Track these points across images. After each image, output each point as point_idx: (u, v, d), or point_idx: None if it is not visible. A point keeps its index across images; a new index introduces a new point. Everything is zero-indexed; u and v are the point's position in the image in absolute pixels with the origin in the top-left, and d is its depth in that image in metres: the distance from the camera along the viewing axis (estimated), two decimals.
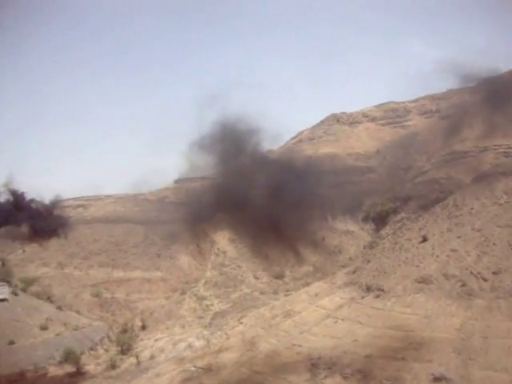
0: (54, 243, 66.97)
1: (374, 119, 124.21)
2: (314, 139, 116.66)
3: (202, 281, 77.66)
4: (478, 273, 33.60)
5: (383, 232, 78.20)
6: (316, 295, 45.28)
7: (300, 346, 34.75)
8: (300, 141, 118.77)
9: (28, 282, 65.42)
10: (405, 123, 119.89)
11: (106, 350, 54.34)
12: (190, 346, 52.05)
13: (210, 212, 34.86)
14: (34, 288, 65.60)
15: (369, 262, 47.37)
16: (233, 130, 35.16)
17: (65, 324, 55.36)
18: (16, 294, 55.62)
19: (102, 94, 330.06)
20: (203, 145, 35.61)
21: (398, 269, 40.23)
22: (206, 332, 57.06)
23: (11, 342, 47.34)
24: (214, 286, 75.93)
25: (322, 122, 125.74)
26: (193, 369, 38.02)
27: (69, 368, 47.30)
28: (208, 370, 36.67)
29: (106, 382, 46.05)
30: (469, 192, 47.42)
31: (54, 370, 46.70)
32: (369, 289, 39.66)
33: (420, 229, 45.88)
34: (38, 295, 63.01)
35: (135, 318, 65.95)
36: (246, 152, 35.21)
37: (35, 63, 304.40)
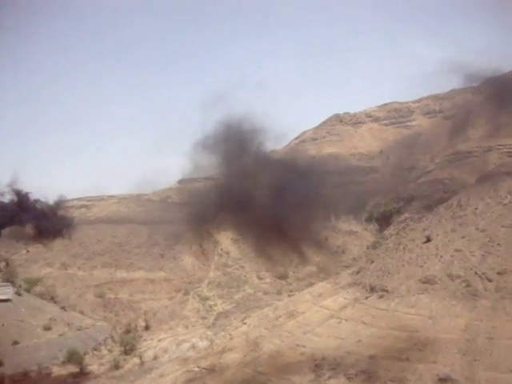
0: (57, 244, 66.88)
1: (377, 119, 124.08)
2: (317, 139, 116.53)
3: (206, 281, 77.66)
4: (483, 273, 33.40)
5: (387, 232, 77.96)
6: (319, 295, 45.12)
7: (304, 346, 34.65)
8: (303, 141, 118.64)
9: (32, 283, 65.55)
10: (408, 123, 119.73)
11: (110, 351, 54.43)
12: (193, 347, 52.10)
13: (214, 212, 34.84)
14: (38, 288, 65.75)
15: (372, 262, 47.20)
16: (236, 130, 35.14)
17: (68, 324, 55.44)
18: (20, 295, 55.72)
19: (102, 95, 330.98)
20: (207, 145, 35.64)
21: (401, 269, 40.05)
22: (209, 332, 57.12)
23: (15, 342, 47.43)
24: (218, 286, 75.92)
25: (325, 122, 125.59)
26: (196, 369, 37.98)
27: (72, 368, 47.41)
28: (211, 370, 36.63)
29: (109, 383, 46.13)
30: (473, 192, 47.20)
31: (58, 370, 46.82)
32: (372, 289, 39.48)
33: (424, 229, 45.68)
34: (41, 295, 63.14)
35: (138, 318, 66.00)
36: (249, 152, 35.18)
37: (35, 64, 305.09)
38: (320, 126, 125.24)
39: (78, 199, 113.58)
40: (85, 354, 50.49)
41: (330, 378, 29.32)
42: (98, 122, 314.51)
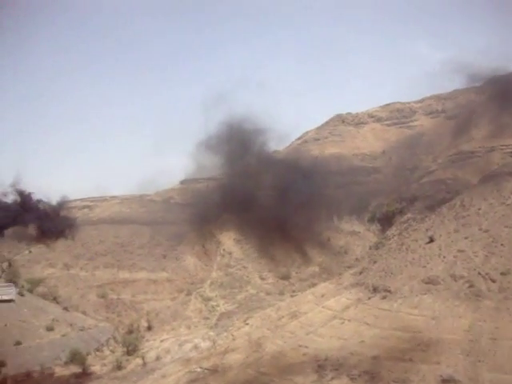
0: (60, 244, 66.89)
1: (379, 120, 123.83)
2: (319, 140, 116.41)
3: (208, 281, 77.61)
4: (486, 274, 33.32)
5: (389, 233, 77.92)
6: (322, 296, 45.04)
7: (306, 347, 34.57)
8: (305, 141, 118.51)
9: (34, 283, 65.59)
10: (410, 123, 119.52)
11: (112, 351, 54.41)
12: (195, 347, 52.04)
13: (217, 212, 34.80)
14: (41, 289, 65.81)
15: (375, 262, 47.11)
16: (239, 131, 35.10)
17: (71, 325, 55.47)
18: (22, 295, 55.76)
19: (102, 95, 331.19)
20: (210, 145, 35.61)
21: (404, 269, 39.96)
22: (211, 333, 57.05)
23: (18, 343, 47.48)
24: (220, 286, 75.87)
25: (328, 122, 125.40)
26: (199, 370, 37.92)
27: (75, 369, 47.41)
28: (214, 371, 36.56)
29: (111, 383, 46.09)
30: (476, 192, 47.09)
31: (60, 371, 46.83)
32: (375, 290, 39.40)
33: (427, 229, 45.59)
34: (44, 296, 63.18)
35: (141, 318, 65.99)
36: (252, 152, 35.14)
37: (36, 64, 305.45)
38: (322, 126, 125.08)
39: (81, 200, 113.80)
40: (87, 354, 50.49)
41: (332, 378, 29.23)
42: (98, 122, 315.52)
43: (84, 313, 63.76)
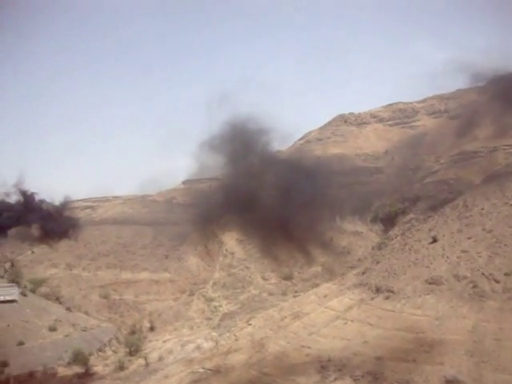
0: (62, 244, 67.05)
1: (381, 120, 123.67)
2: (321, 140, 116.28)
3: (211, 282, 77.60)
4: (490, 274, 33.19)
5: (392, 233, 77.63)
6: (325, 296, 44.97)
7: (309, 347, 34.51)
8: (308, 141, 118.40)
9: (37, 283, 65.63)
10: (413, 123, 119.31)
11: (115, 351, 54.41)
12: (198, 348, 52.01)
13: (219, 212, 34.76)
14: (43, 289, 65.85)
15: (378, 262, 47.01)
16: (242, 130, 35.05)
17: (73, 325, 55.49)
18: (25, 295, 55.78)
19: (103, 95, 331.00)
20: (213, 145, 35.57)
21: (407, 270, 39.88)
22: (214, 333, 57.02)
23: (20, 343, 47.51)
24: (223, 287, 75.84)
25: (330, 122, 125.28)
26: (201, 370, 37.87)
27: (77, 369, 47.45)
28: (217, 371, 36.51)
29: (114, 383, 46.11)
30: (479, 192, 47.00)
31: (63, 371, 46.87)
32: (378, 290, 39.32)
33: (430, 229, 45.50)
34: (46, 296, 63.22)
35: (143, 319, 66.05)
36: (255, 152, 35.08)
37: (36, 64, 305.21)
38: (325, 126, 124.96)
39: (83, 200, 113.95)
40: (90, 354, 50.50)
41: (335, 379, 29.15)
42: (98, 122, 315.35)
43: (86, 313, 63.79)
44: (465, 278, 34.16)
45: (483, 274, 33.60)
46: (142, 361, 50.90)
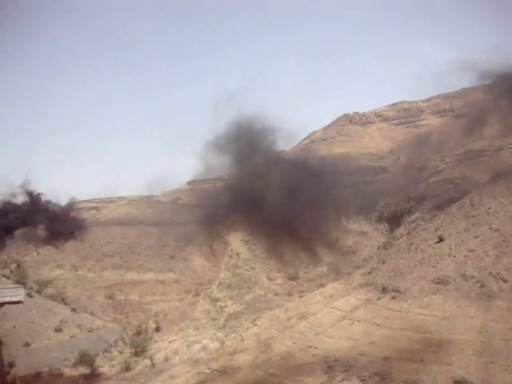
0: (67, 245, 67.13)
1: (386, 119, 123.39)
2: (326, 139, 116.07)
3: (216, 282, 77.57)
4: (497, 273, 32.91)
5: (397, 232, 77.33)
6: (331, 296, 44.84)
7: (316, 348, 34.38)
8: (312, 141, 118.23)
9: (43, 284, 65.76)
10: (418, 123, 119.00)
11: (120, 352, 54.46)
12: (204, 348, 51.98)
13: (225, 213, 34.69)
14: (49, 290, 65.95)
15: (384, 262, 46.81)
16: (247, 130, 34.97)
17: (79, 326, 55.57)
18: (31, 296, 55.88)
19: (104, 95, 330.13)
20: (218, 145, 35.51)
21: (414, 269, 39.66)
22: (220, 334, 56.98)
23: (26, 344, 47.59)
24: (228, 287, 75.80)
25: (335, 122, 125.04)
26: (207, 371, 37.82)
27: (83, 370, 47.48)
28: (223, 372, 36.45)
29: None
30: (486, 191, 46.66)
31: (69, 372, 46.94)
32: (385, 290, 39.14)
33: (436, 229, 45.22)
34: (52, 297, 63.32)
35: (149, 319, 66.10)
36: (260, 152, 35.00)
37: (36, 64, 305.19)
38: (329, 126, 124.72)
39: (88, 201, 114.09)
40: (96, 355, 50.56)
41: (342, 379, 29.00)
42: (99, 122, 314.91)
43: (92, 314, 63.90)
44: (472, 277, 33.90)
45: (491, 273, 33.32)
46: (147, 361, 50.90)
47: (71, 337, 52.35)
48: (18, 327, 49.14)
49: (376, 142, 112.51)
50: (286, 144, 43.19)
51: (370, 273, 46.30)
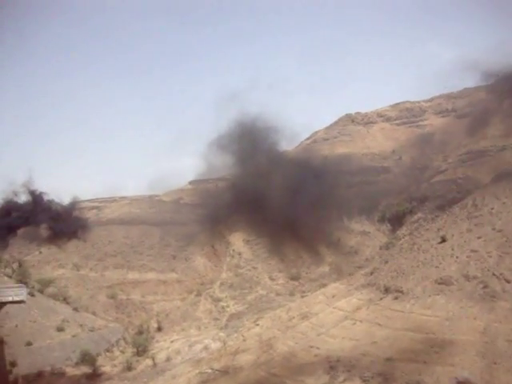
0: (69, 245, 67.25)
1: (388, 119, 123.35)
2: (328, 139, 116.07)
3: (218, 282, 77.56)
4: (501, 274, 32.74)
5: (400, 233, 77.48)
6: (333, 296, 44.69)
7: (318, 348, 34.27)
8: (314, 141, 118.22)
9: (44, 284, 65.70)
10: (420, 123, 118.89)
11: (122, 352, 54.48)
12: (206, 348, 51.97)
13: (227, 213, 34.64)
14: (51, 289, 65.92)
15: (386, 262, 46.63)
16: (250, 129, 34.91)
17: (81, 325, 55.57)
18: (33, 296, 55.88)
19: (105, 95, 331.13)
20: (221, 144, 35.46)
21: (416, 270, 39.49)
22: (222, 334, 56.99)
23: (28, 343, 47.59)
24: (230, 287, 75.78)
25: (337, 122, 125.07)
26: (209, 371, 37.78)
27: (85, 369, 47.50)
28: (225, 372, 36.40)
29: None
30: (488, 192, 46.44)
31: (71, 371, 46.95)
32: (387, 290, 38.96)
33: (438, 229, 45.04)
34: (54, 296, 63.30)
35: (151, 319, 66.16)
36: (263, 151, 34.94)
37: (36, 64, 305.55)
38: (331, 126, 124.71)
39: (90, 200, 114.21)
40: (97, 355, 50.57)
41: (345, 380, 28.92)
42: (100, 122, 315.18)
43: (94, 313, 63.89)
44: (475, 278, 33.72)
45: (494, 273, 33.15)
46: (149, 361, 50.93)
47: (73, 336, 52.34)
48: (19, 326, 49.15)
49: (378, 142, 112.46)
50: (288, 144, 43.15)
51: (372, 273, 46.11)
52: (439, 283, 35.37)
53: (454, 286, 34.24)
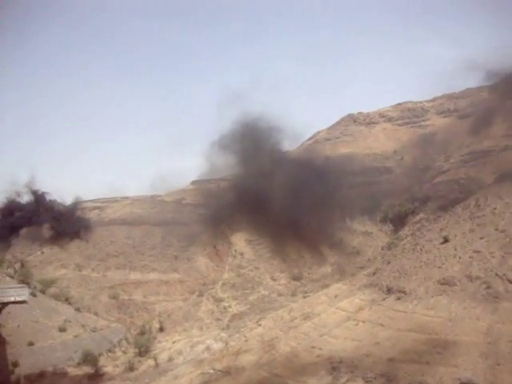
0: (71, 245, 67.47)
1: (390, 119, 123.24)
2: (330, 140, 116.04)
3: (220, 282, 77.48)
4: (504, 274, 32.64)
5: (402, 233, 77.38)
6: (335, 297, 44.66)
7: (320, 348, 34.23)
8: (316, 141, 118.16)
9: (46, 284, 65.70)
10: (422, 123, 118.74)
11: (124, 352, 54.42)
12: (208, 349, 51.90)
13: (229, 213, 34.64)
14: (53, 290, 65.89)
15: (389, 263, 46.59)
16: (252, 129, 34.89)
17: (83, 326, 55.54)
18: (35, 296, 55.89)
19: (106, 95, 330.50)
20: (223, 144, 35.45)
21: (419, 270, 39.42)
22: (224, 334, 56.88)
23: (30, 343, 47.59)
24: (232, 287, 75.70)
25: (339, 122, 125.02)
26: (211, 371, 37.75)
27: (87, 369, 47.46)
28: (227, 372, 36.38)
29: None
30: (491, 192, 46.34)
31: (73, 371, 46.93)
32: (390, 290, 38.92)
33: (441, 229, 44.96)
34: (56, 297, 63.28)
35: (153, 319, 66.10)
36: (265, 151, 34.90)
37: (36, 64, 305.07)
38: (333, 126, 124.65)
39: (92, 200, 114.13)
40: (99, 355, 50.52)
41: (347, 380, 28.87)
42: (102, 122, 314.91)
43: (96, 314, 63.84)
44: (478, 278, 33.63)
45: (497, 274, 33.06)
46: (151, 361, 50.88)
47: (75, 336, 52.32)
48: (21, 326, 49.14)
49: (380, 143, 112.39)
50: (290, 144, 43.13)
51: (374, 273, 46.09)
52: (442, 284, 35.30)
53: (457, 286, 34.17)
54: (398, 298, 36.70)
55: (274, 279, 76.92)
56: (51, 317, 54.05)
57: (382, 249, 75.14)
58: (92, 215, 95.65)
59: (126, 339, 57.83)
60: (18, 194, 43.26)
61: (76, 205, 47.70)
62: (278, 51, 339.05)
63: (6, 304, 39.15)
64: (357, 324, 35.86)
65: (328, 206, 35.14)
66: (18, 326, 48.84)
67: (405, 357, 28.92)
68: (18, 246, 69.12)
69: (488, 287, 32.29)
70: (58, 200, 46.00)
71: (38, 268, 74.37)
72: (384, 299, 37.95)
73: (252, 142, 34.40)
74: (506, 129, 75.07)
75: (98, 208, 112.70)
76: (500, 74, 62.43)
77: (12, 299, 38.35)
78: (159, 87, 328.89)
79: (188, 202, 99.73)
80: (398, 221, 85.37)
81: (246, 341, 43.36)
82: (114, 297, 70.26)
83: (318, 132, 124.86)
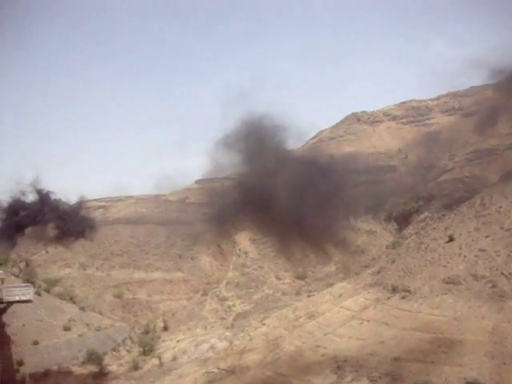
0: (76, 244, 67.67)
1: (394, 118, 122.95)
2: (334, 138, 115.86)
3: (224, 282, 77.47)
4: (509, 273, 32.43)
5: (406, 232, 77.06)
6: (340, 296, 44.50)
7: (325, 347, 34.12)
8: (320, 140, 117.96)
9: (51, 283, 65.84)
10: (426, 121, 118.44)
11: (129, 351, 54.55)
12: (212, 348, 51.92)
13: (233, 212, 34.60)
14: (57, 289, 66.04)
15: (393, 262, 46.40)
16: (257, 128, 34.83)
17: (87, 325, 55.67)
18: (39, 295, 56.02)
19: (107, 95, 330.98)
20: (228, 143, 35.40)
21: (424, 269, 39.24)
22: (228, 333, 56.90)
23: (35, 342, 47.74)
24: (236, 286, 75.67)
25: (343, 121, 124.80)
26: (216, 370, 37.71)
27: (92, 368, 47.61)
28: (231, 371, 36.31)
29: (128, 383, 46.16)
30: (496, 190, 46.08)
31: (78, 370, 47.07)
32: (394, 289, 38.75)
33: (446, 228, 44.73)
34: (60, 296, 63.43)
35: (157, 318, 66.20)
36: (270, 150, 34.84)
37: (37, 64, 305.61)
38: (337, 124, 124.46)
39: (97, 200, 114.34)
40: (104, 354, 50.67)
41: (352, 380, 28.77)
42: (105, 122, 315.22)
43: (100, 313, 64.00)
44: (483, 277, 33.43)
45: (502, 273, 32.86)
46: (155, 360, 50.97)
47: (80, 335, 52.46)
48: (26, 326, 49.29)
49: (384, 141, 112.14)
50: (295, 143, 43.05)
51: (379, 272, 45.87)
52: (447, 282, 35.11)
53: (462, 285, 33.97)
54: (403, 297, 36.53)
55: (278, 278, 76.83)
56: (56, 316, 54.19)
57: (387, 247, 74.89)
58: (96, 214, 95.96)
59: (131, 338, 57.96)
60: (23, 194, 43.34)
61: (81, 204, 47.79)
62: (278, 51, 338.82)
63: (11, 303, 39.21)
64: (361, 323, 35.73)
65: (332, 205, 35.05)
66: (23, 325, 48.99)
67: (410, 356, 28.79)
68: (22, 245, 69.34)
69: (493, 286, 32.09)
70: (63, 199, 46.05)
71: (42, 267, 74.54)
72: (389, 298, 37.77)
73: (256, 141, 34.34)
74: (510, 127, 74.72)
75: (103, 207, 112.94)
76: (504, 72, 62.06)
77: (17, 298, 38.41)
78: (159, 87, 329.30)
79: (192, 201, 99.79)
80: (403, 219, 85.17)
81: (251, 340, 43.28)
82: (119, 296, 70.40)
83: (322, 131, 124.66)
